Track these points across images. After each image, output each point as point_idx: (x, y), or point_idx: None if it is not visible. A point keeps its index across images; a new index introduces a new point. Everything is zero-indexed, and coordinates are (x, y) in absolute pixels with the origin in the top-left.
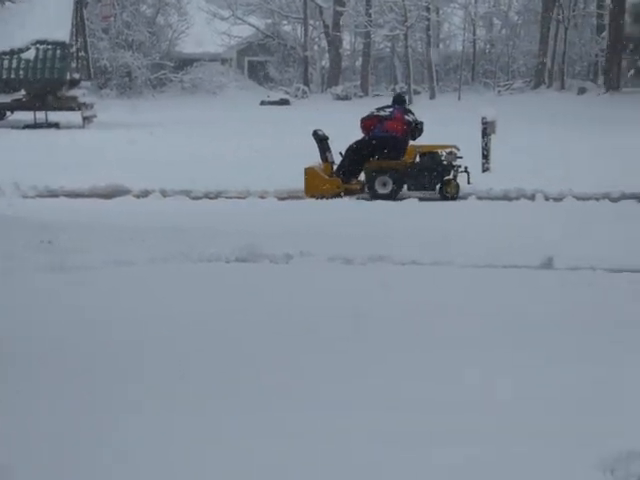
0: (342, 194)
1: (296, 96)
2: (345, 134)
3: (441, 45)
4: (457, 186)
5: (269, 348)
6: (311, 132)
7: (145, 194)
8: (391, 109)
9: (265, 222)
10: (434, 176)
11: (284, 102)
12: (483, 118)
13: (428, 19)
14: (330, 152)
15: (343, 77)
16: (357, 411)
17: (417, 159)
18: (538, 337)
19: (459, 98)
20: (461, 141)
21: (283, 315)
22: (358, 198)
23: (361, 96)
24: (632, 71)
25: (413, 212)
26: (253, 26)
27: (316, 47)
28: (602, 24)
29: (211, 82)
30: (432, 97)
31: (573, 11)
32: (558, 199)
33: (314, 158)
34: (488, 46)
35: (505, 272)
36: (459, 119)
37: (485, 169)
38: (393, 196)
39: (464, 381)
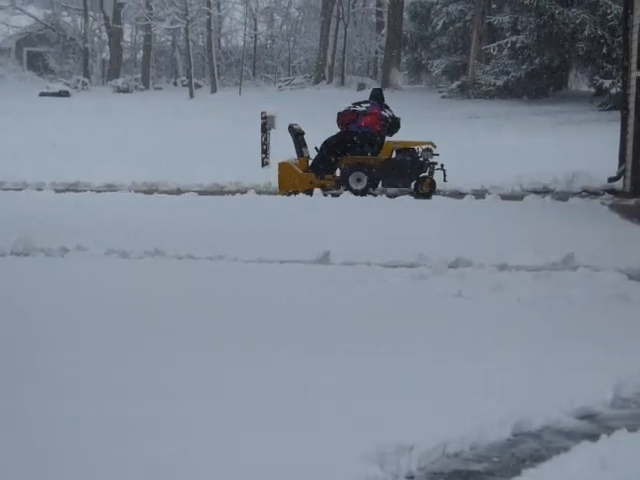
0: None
1: (76, 88)
2: (125, 126)
3: (222, 39)
4: (432, 183)
5: None
6: (287, 126)
7: None
8: (368, 104)
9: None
10: (409, 173)
11: (64, 94)
12: (262, 113)
13: (209, 13)
14: (306, 147)
15: (124, 70)
16: None
17: (393, 155)
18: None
19: (240, 93)
20: (241, 136)
21: None
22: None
23: (142, 89)
24: (406, 71)
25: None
26: (32, 16)
27: (96, 39)
28: (381, 21)
29: None
30: (214, 91)
31: (353, 8)
32: (336, 194)
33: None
34: (269, 41)
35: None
36: (240, 114)
37: (265, 164)
38: (367, 192)
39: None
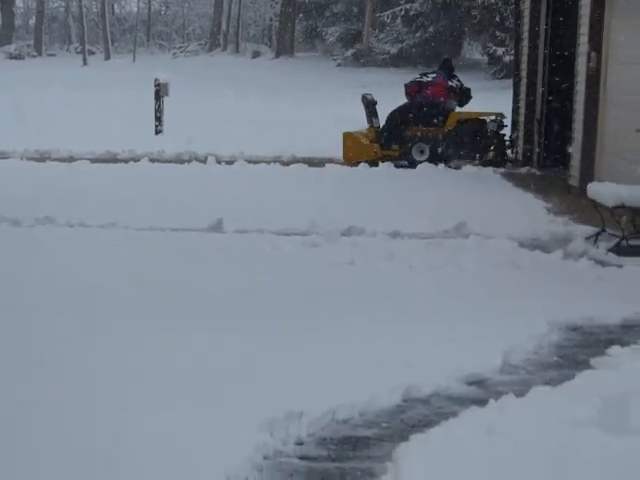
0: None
1: None
2: (16, 93)
3: (116, 6)
4: (500, 155)
5: None
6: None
7: None
8: (434, 75)
9: None
10: (474, 145)
11: None
12: (156, 80)
13: None
14: (377, 117)
15: (16, 36)
16: None
17: (457, 126)
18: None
19: (134, 60)
20: (134, 103)
21: None
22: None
23: (35, 55)
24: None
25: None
26: None
27: None
28: None
29: None
30: (107, 58)
31: None
32: (229, 162)
33: None
34: (163, 8)
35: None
36: (133, 81)
37: (158, 131)
38: (432, 162)
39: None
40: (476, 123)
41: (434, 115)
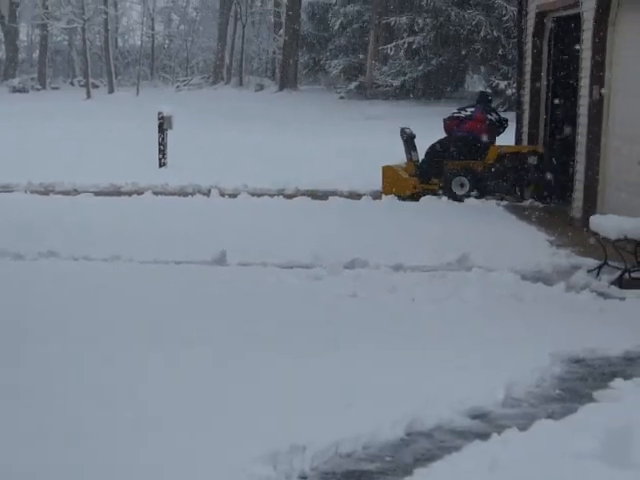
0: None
1: None
2: (21, 126)
3: (120, 39)
4: (540, 189)
5: None
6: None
7: None
8: (473, 108)
9: None
10: (514, 179)
11: None
12: (159, 113)
13: (106, 13)
14: (415, 151)
15: (20, 69)
16: None
17: (498, 160)
18: None
19: (138, 93)
20: (138, 136)
21: None
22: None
23: (38, 89)
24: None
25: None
26: None
27: None
28: (279, 22)
29: None
30: (111, 91)
31: (251, 8)
32: (233, 195)
33: None
34: (167, 41)
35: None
36: (137, 114)
37: (162, 164)
38: (471, 196)
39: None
40: (516, 157)
41: (474, 149)
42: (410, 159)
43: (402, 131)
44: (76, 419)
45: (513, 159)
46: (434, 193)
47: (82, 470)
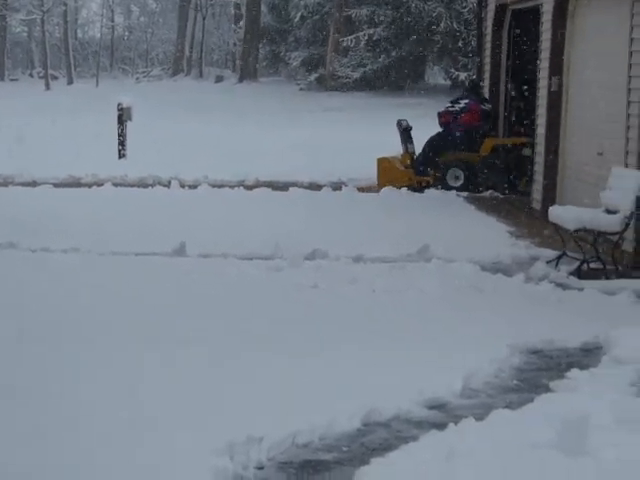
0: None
1: None
2: None
3: (79, 31)
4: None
5: None
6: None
7: None
8: (466, 100)
9: None
10: (509, 171)
11: None
12: (119, 104)
13: (65, 4)
14: (411, 143)
15: None
16: None
17: (493, 152)
18: None
19: (97, 84)
20: (98, 128)
21: None
22: None
23: None
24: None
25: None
26: None
27: None
28: (239, 14)
29: None
30: (70, 83)
31: (211, 0)
32: (193, 186)
33: None
34: (127, 33)
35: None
36: (97, 105)
37: (121, 155)
38: (467, 189)
39: None
40: (511, 149)
41: (469, 141)
42: (406, 151)
43: (398, 123)
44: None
45: (508, 151)
46: (429, 185)
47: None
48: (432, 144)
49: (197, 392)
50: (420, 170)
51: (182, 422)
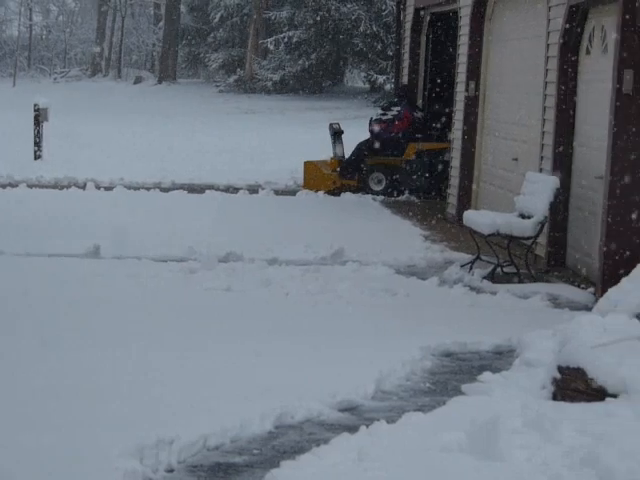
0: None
1: None
2: None
3: None
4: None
5: None
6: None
7: None
8: (398, 108)
9: None
10: (431, 175)
11: None
12: (35, 105)
13: None
14: (341, 146)
15: None
16: None
17: (416, 156)
18: None
19: (14, 84)
20: (13, 128)
21: None
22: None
23: None
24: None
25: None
26: None
27: None
28: (159, 14)
29: None
30: None
31: (130, 0)
32: (109, 188)
33: None
34: (45, 32)
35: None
36: (13, 105)
37: (37, 157)
38: (387, 193)
39: None
40: (435, 153)
41: (394, 146)
42: (335, 154)
43: (330, 126)
44: None
45: (430, 155)
46: (353, 189)
47: None
48: (360, 148)
49: (105, 394)
50: (346, 174)
51: (89, 424)
